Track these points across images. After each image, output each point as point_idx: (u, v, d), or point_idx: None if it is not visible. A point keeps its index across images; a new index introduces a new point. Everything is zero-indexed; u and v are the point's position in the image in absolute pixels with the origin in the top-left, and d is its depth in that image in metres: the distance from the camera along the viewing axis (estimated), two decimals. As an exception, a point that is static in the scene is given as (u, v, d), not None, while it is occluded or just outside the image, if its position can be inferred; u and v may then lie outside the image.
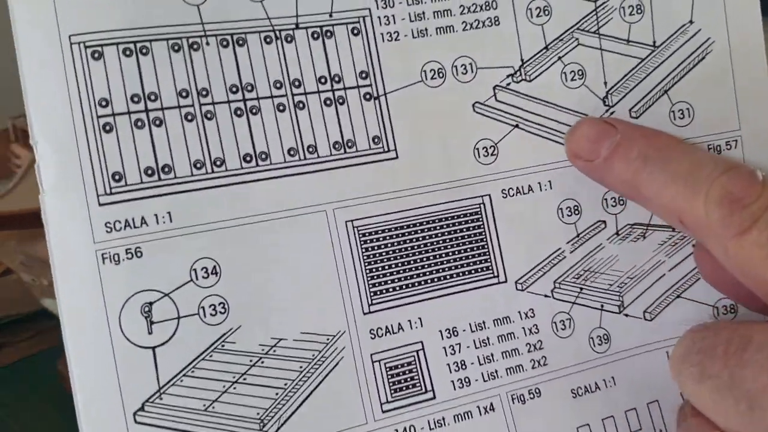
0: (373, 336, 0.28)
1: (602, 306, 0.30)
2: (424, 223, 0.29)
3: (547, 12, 0.29)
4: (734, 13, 0.30)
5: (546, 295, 0.29)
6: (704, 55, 0.30)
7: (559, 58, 0.29)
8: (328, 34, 0.28)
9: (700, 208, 0.25)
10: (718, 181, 0.25)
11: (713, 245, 0.25)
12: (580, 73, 0.29)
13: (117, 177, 0.26)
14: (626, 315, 0.30)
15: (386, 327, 0.28)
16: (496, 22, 0.29)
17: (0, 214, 0.41)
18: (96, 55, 0.26)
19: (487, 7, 0.29)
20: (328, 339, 0.27)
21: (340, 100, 0.28)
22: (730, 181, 0.25)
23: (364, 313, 0.28)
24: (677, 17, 0.30)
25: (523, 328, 0.29)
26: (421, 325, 0.28)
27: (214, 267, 0.27)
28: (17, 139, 0.61)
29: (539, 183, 0.29)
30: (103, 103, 0.26)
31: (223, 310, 0.27)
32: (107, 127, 0.26)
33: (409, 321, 0.28)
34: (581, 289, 0.30)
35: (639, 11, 0.30)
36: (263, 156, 0.27)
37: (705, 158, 0.26)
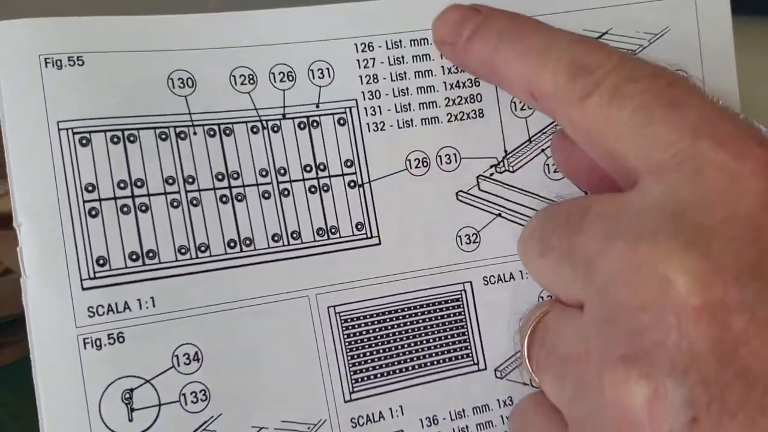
0: (354, 425, 0.28)
1: (581, 395, 0.30)
2: (406, 309, 0.29)
3: (531, 106, 0.30)
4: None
5: (525, 384, 0.30)
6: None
7: (542, 150, 0.30)
8: (315, 124, 0.28)
9: (548, 78, 0.25)
10: (567, 51, 0.25)
11: (560, 115, 0.25)
12: (561, 164, 0.30)
13: (101, 261, 0.26)
14: (605, 404, 0.30)
15: (367, 415, 0.28)
16: (481, 115, 0.30)
17: (0, 214, 0.41)
18: (84, 141, 0.26)
19: (472, 100, 0.29)
20: (309, 428, 0.28)
21: (325, 188, 0.28)
22: (579, 51, 0.25)
23: (345, 401, 0.28)
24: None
25: (501, 416, 0.29)
26: (402, 414, 0.29)
27: (196, 353, 0.27)
28: None
29: (521, 271, 0.30)
30: (90, 188, 0.26)
31: (204, 398, 0.27)
32: (93, 212, 0.26)
33: (390, 409, 0.28)
34: (561, 378, 0.30)
35: (619, 106, 0.30)
36: (247, 242, 0.28)
37: (558, 33, 0.26)
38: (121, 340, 0.26)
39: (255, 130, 0.28)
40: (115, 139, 0.27)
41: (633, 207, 0.23)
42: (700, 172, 0.21)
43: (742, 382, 0.19)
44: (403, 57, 0.29)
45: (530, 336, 0.26)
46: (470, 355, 0.29)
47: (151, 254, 0.27)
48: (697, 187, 0.21)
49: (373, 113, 0.29)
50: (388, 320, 0.29)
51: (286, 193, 0.28)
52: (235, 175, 0.28)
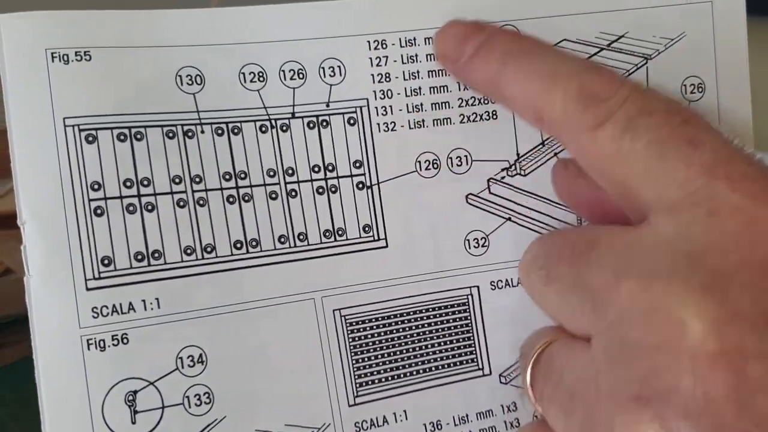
0: (357, 429, 0.28)
1: (586, 402, 0.30)
2: (412, 313, 0.29)
3: (536, 128, 0.29)
4: (728, 120, 0.30)
5: (530, 389, 0.29)
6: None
7: (555, 154, 0.29)
8: (324, 123, 0.28)
9: (558, 104, 0.24)
10: (577, 77, 0.24)
11: (569, 142, 0.25)
12: (574, 169, 0.29)
13: (106, 261, 0.26)
14: (609, 412, 0.30)
15: (371, 420, 0.28)
16: (494, 116, 0.29)
17: (0, 214, 0.41)
18: (90, 138, 0.26)
19: (485, 101, 0.29)
20: (312, 432, 0.28)
21: (333, 189, 0.28)
22: (590, 78, 0.24)
23: (350, 405, 0.28)
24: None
25: (505, 421, 0.29)
26: (406, 418, 0.28)
27: (201, 355, 0.27)
28: None
29: (528, 277, 0.29)
30: (96, 187, 0.26)
31: (208, 400, 0.27)
32: (98, 211, 0.26)
33: (394, 414, 0.28)
34: (566, 384, 0.30)
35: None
36: (254, 243, 0.27)
37: (567, 57, 0.26)
38: (125, 341, 0.26)
39: (264, 129, 0.27)
40: (122, 137, 0.26)
41: (645, 243, 0.22)
42: (715, 213, 0.21)
43: (761, 430, 0.19)
44: (416, 55, 0.29)
45: (533, 365, 0.26)
46: (475, 360, 0.29)
47: (156, 254, 0.26)
48: (713, 228, 0.21)
49: (384, 113, 0.28)
50: (393, 324, 0.29)
51: (293, 193, 0.28)
52: (243, 175, 0.27)
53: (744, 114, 0.31)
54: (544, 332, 0.27)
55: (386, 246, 0.28)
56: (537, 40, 0.27)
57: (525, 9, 0.29)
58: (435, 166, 0.29)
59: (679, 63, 0.30)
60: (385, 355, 0.28)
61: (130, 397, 0.26)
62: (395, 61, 0.28)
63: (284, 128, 0.28)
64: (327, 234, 0.28)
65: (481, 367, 0.29)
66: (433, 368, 0.29)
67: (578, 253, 0.24)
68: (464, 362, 0.29)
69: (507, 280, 0.29)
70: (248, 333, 0.27)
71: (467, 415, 0.29)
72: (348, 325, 0.28)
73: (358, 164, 0.28)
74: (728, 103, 0.30)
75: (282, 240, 0.28)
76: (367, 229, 0.28)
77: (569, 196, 0.29)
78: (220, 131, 0.27)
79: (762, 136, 0.31)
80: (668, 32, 0.30)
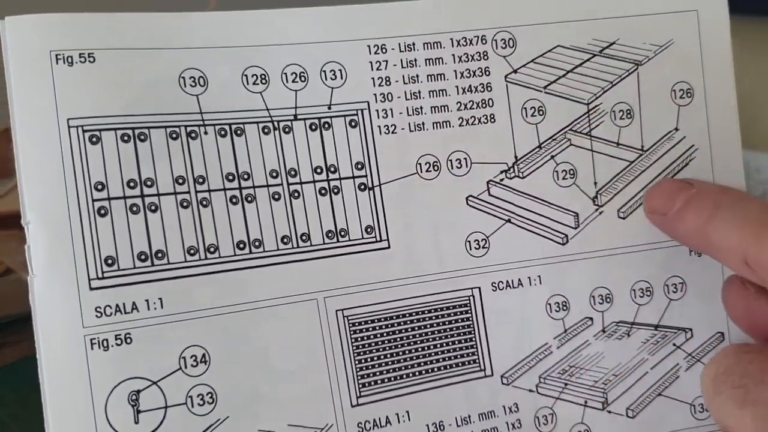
0: (360, 430, 0.28)
1: (586, 402, 0.30)
2: (414, 314, 0.29)
3: (541, 112, 0.30)
4: (716, 123, 0.31)
5: (530, 390, 0.30)
6: (688, 161, 0.31)
7: (552, 157, 0.30)
8: (326, 125, 0.28)
9: (766, 249, 0.25)
10: None
11: None
12: (571, 172, 0.30)
13: (110, 261, 0.26)
14: (609, 412, 0.30)
15: (374, 420, 0.28)
16: (492, 120, 0.29)
17: (0, 214, 0.41)
18: (94, 139, 0.26)
19: (483, 105, 0.29)
20: (315, 432, 0.27)
21: (335, 190, 0.28)
22: None
23: (352, 406, 0.28)
24: (664, 123, 0.31)
25: (507, 422, 0.29)
26: (409, 419, 0.28)
27: (204, 355, 0.27)
28: None
29: (529, 277, 0.30)
30: (99, 187, 0.26)
31: (211, 400, 0.26)
32: (102, 211, 0.26)
33: (397, 414, 0.28)
34: (566, 384, 0.30)
35: (629, 116, 0.30)
36: (257, 243, 0.27)
37: None
38: (128, 341, 0.26)
39: (266, 130, 0.28)
40: (126, 138, 0.26)
41: None
42: None
43: None
44: (415, 60, 0.29)
45: None
46: (477, 360, 0.29)
47: (159, 255, 0.26)
48: None
49: (385, 116, 0.29)
50: (395, 325, 0.29)
51: (296, 194, 0.28)
52: (246, 176, 0.27)
53: (730, 116, 0.31)
54: None
55: (388, 247, 0.29)
56: (743, 192, 0.29)
57: (521, 16, 0.30)
58: (435, 168, 0.29)
59: (669, 69, 0.31)
60: (388, 355, 0.28)
61: (134, 397, 0.26)
62: (395, 65, 0.29)
63: (287, 130, 0.28)
64: (330, 235, 0.28)
65: (483, 368, 0.29)
66: (435, 369, 0.29)
67: None
68: (466, 363, 0.29)
69: (508, 282, 0.29)
70: (251, 333, 0.27)
71: (469, 416, 0.29)
72: (351, 325, 0.28)
73: (359, 166, 0.28)
74: (716, 106, 0.31)
75: (285, 240, 0.28)
76: (369, 230, 0.28)
77: (745, 315, 0.29)
78: (223, 132, 0.27)
79: (762, 136, 0.31)
80: (657, 39, 0.31)
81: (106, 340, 0.26)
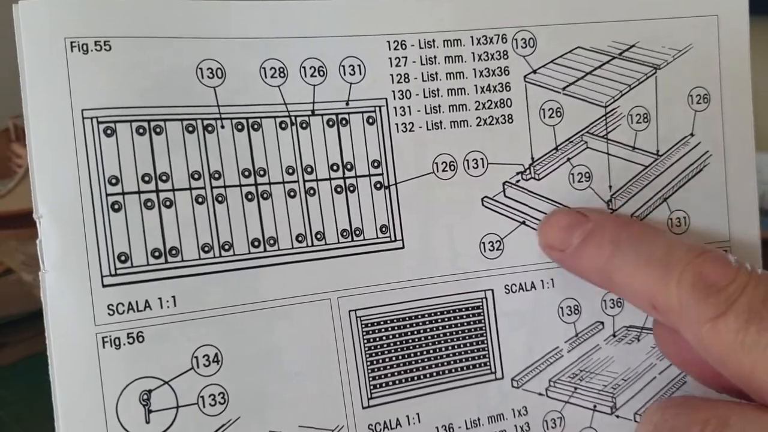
0: (371, 431, 0.28)
1: (595, 406, 0.30)
2: (427, 315, 0.28)
3: (559, 114, 0.29)
4: (731, 130, 0.31)
5: (540, 393, 0.29)
6: (702, 167, 0.31)
7: (568, 159, 0.30)
8: (344, 121, 0.28)
9: (673, 293, 0.24)
10: (690, 265, 0.24)
11: (686, 330, 0.24)
12: (587, 175, 0.30)
13: (123, 258, 0.25)
14: (617, 416, 0.30)
15: (384, 422, 0.28)
16: (510, 120, 0.29)
17: (0, 214, 0.40)
18: (108, 131, 0.25)
19: (502, 105, 0.29)
20: (327, 435, 0.27)
21: (351, 188, 0.28)
22: (704, 264, 0.24)
23: (363, 407, 0.28)
24: (679, 128, 0.31)
25: (515, 425, 0.29)
26: (419, 421, 0.28)
27: (216, 355, 0.26)
28: (18, 138, 0.59)
29: (542, 281, 0.29)
30: (113, 181, 0.25)
31: (222, 401, 0.26)
32: (116, 206, 0.25)
33: (407, 416, 0.28)
34: (575, 388, 0.30)
35: (645, 120, 0.30)
36: (271, 241, 0.27)
37: (677, 243, 0.26)
38: (140, 339, 0.25)
39: (283, 125, 0.27)
40: (141, 130, 0.26)
41: None
42: None
43: None
44: (435, 57, 0.28)
45: None
46: (488, 363, 0.29)
47: (174, 252, 0.26)
48: None
49: (403, 113, 0.28)
50: (408, 326, 0.28)
51: (311, 192, 0.27)
52: (262, 172, 0.27)
53: (746, 123, 0.31)
54: None
55: (402, 247, 0.28)
56: (645, 225, 0.27)
57: (541, 15, 0.29)
58: (452, 167, 0.29)
59: (687, 74, 0.31)
60: (400, 357, 0.28)
61: (145, 397, 0.25)
62: (414, 62, 0.28)
63: (304, 125, 0.27)
64: (344, 234, 0.28)
65: (493, 370, 0.29)
66: (447, 371, 0.29)
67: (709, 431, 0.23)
68: (477, 366, 0.29)
69: (521, 284, 0.29)
70: (264, 333, 0.27)
71: (479, 419, 0.29)
72: (363, 326, 0.28)
73: (376, 164, 0.28)
74: (732, 113, 0.31)
75: (300, 239, 0.27)
76: (384, 229, 0.28)
77: (676, 355, 0.28)
78: (240, 126, 0.27)
79: (762, 136, 0.31)
80: (677, 43, 0.31)
81: (118, 338, 0.25)
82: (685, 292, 0.24)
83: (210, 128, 0.26)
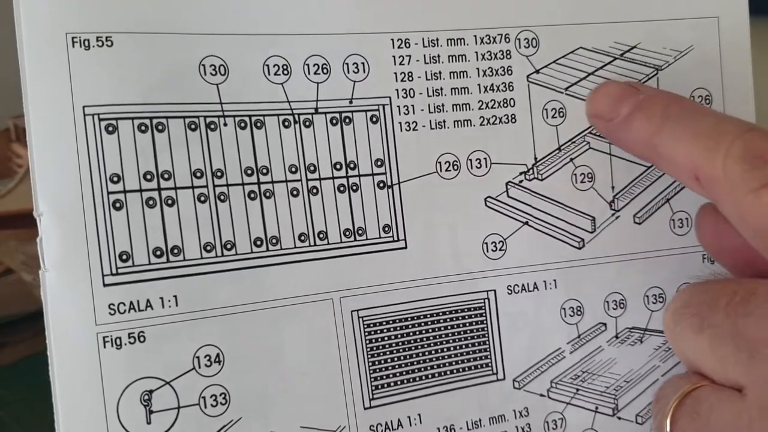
0: (373, 432, 0.27)
1: (597, 408, 0.30)
2: (429, 315, 0.28)
3: (562, 114, 0.29)
4: None
5: (541, 395, 0.29)
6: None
7: (571, 159, 0.29)
8: (347, 120, 0.27)
9: (719, 164, 0.24)
10: (740, 138, 0.24)
11: (727, 202, 0.24)
12: (589, 176, 0.30)
13: (124, 257, 0.25)
14: (619, 418, 0.30)
15: (386, 423, 0.28)
16: (513, 120, 0.29)
17: (0, 214, 0.40)
18: (110, 128, 0.25)
19: (505, 104, 0.29)
20: (328, 436, 0.27)
21: (354, 187, 0.28)
22: (753, 138, 0.24)
23: (365, 408, 0.27)
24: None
25: (517, 426, 0.29)
26: (420, 422, 0.28)
27: (218, 355, 0.26)
28: (18, 138, 0.58)
29: (544, 281, 0.29)
30: (115, 179, 0.25)
31: (224, 401, 0.26)
32: (117, 204, 0.25)
33: (409, 417, 0.28)
34: (577, 390, 0.30)
35: (649, 119, 0.30)
36: (274, 241, 0.27)
37: (727, 118, 0.25)
38: (141, 339, 0.25)
39: (287, 123, 0.27)
40: (143, 128, 0.25)
41: None
42: None
43: None
44: (439, 56, 0.28)
45: (675, 410, 0.25)
46: (490, 364, 0.29)
47: (175, 251, 0.25)
48: None
49: (406, 112, 0.28)
50: (410, 326, 0.28)
51: (314, 191, 0.27)
52: (264, 171, 0.27)
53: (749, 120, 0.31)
54: (682, 380, 0.25)
55: (405, 247, 0.28)
56: (695, 102, 0.27)
57: (543, 16, 0.29)
58: (455, 167, 0.28)
59: (688, 75, 0.31)
60: (402, 357, 0.28)
61: (146, 397, 0.25)
62: (418, 60, 0.28)
63: (307, 123, 0.27)
64: (347, 233, 0.27)
65: (495, 371, 0.29)
66: (448, 372, 0.28)
67: (737, 302, 0.23)
68: (479, 366, 0.29)
69: (524, 285, 0.29)
70: (266, 333, 0.26)
71: (480, 420, 0.29)
72: (365, 326, 0.28)
73: (379, 163, 0.28)
74: (734, 114, 0.31)
75: (302, 238, 0.27)
76: (387, 229, 0.28)
77: (713, 241, 0.28)
78: (243, 124, 0.26)
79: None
80: (678, 45, 0.31)
81: (119, 338, 0.25)
82: (731, 162, 0.24)
83: (213, 126, 0.26)
